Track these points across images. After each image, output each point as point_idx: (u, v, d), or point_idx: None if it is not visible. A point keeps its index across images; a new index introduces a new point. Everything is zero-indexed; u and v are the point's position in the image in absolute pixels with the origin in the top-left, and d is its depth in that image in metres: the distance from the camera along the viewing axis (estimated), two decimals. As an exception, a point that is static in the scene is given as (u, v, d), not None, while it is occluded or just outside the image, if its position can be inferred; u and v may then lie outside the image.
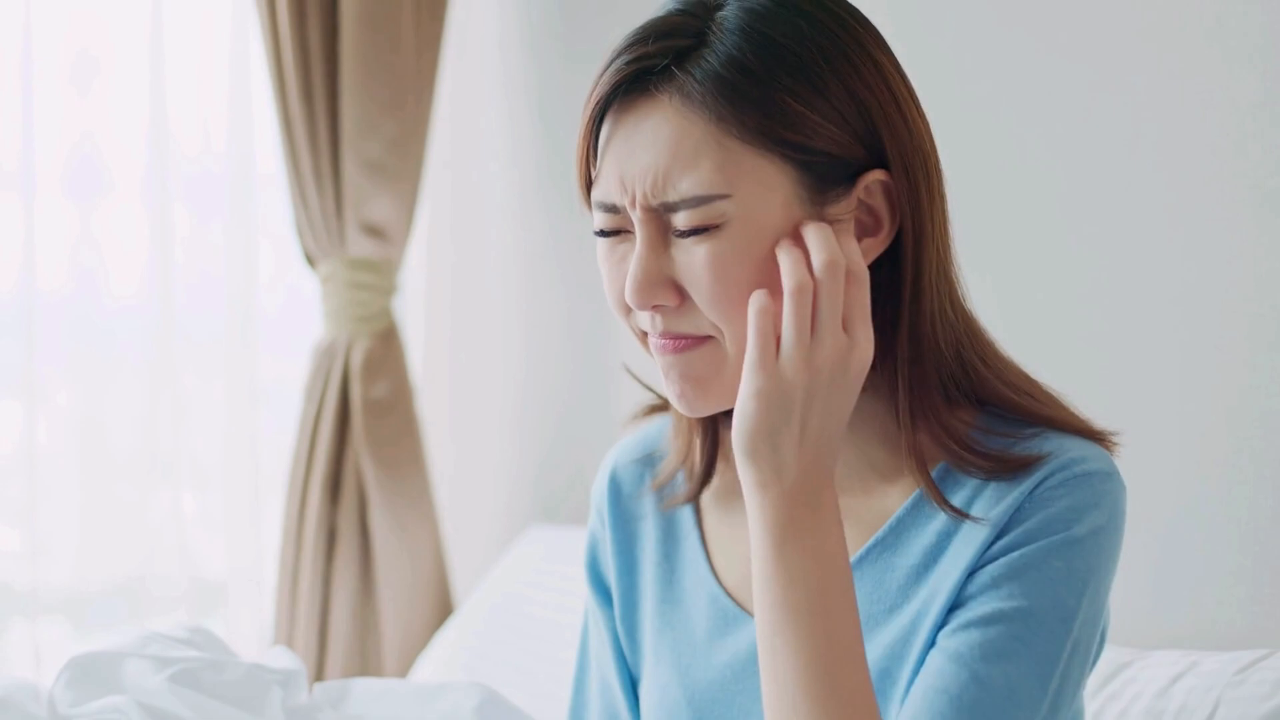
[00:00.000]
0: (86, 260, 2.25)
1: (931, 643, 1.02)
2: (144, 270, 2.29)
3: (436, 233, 2.65)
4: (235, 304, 2.38)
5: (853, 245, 1.00)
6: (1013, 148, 1.75)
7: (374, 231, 2.36)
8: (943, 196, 1.05)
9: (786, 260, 0.99)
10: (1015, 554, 1.00)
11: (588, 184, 1.06)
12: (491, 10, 2.55)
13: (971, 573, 1.02)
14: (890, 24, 1.88)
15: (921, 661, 1.02)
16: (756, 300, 0.99)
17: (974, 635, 0.99)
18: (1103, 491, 1.02)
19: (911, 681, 1.03)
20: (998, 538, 1.02)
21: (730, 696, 1.13)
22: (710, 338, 1.03)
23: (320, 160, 2.30)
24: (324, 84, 2.29)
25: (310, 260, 2.39)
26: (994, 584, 1.00)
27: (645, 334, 1.06)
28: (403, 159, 2.36)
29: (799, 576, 0.98)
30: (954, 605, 1.02)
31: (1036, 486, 1.02)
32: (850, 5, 1.04)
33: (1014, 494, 1.02)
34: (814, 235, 0.99)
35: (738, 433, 1.00)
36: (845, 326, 0.99)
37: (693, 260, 1.00)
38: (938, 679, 0.99)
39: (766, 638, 0.99)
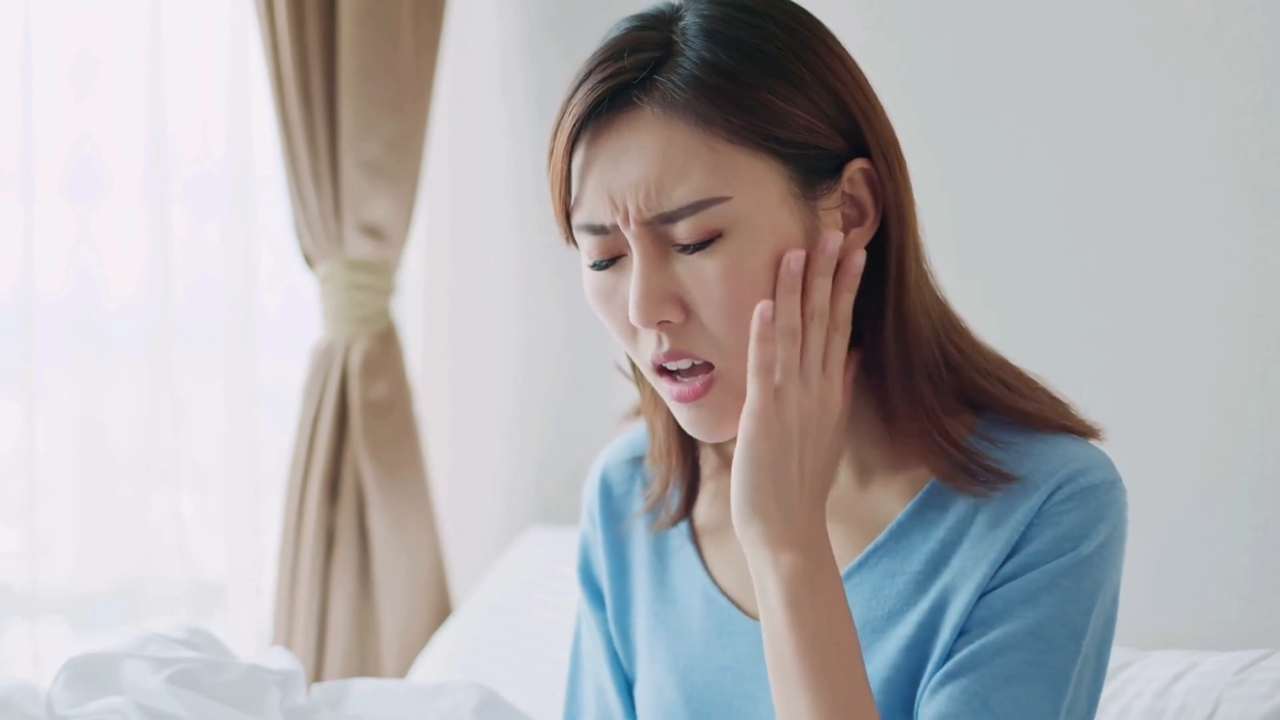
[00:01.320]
0: (85, 261, 2.25)
1: (943, 663, 1.01)
2: (143, 271, 2.29)
3: (435, 233, 2.65)
4: (234, 305, 2.38)
5: (847, 302, 1.02)
6: (1013, 148, 1.75)
7: (373, 232, 2.36)
8: (910, 184, 1.05)
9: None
10: (1025, 577, 1.00)
11: (566, 212, 1.04)
12: (490, 10, 2.55)
13: (984, 593, 1.01)
14: (891, 24, 1.89)
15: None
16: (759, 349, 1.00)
17: (986, 663, 0.99)
18: (1108, 503, 1.02)
19: (918, 696, 1.02)
20: (1009, 556, 1.01)
21: (728, 699, 1.12)
22: (713, 367, 1.02)
23: (319, 161, 2.30)
24: (322, 85, 2.29)
25: (309, 261, 2.39)
26: (1005, 609, 1.00)
27: (658, 368, 1.04)
28: (401, 160, 2.36)
29: (816, 635, 0.97)
30: (963, 628, 1.01)
31: (1046, 500, 1.01)
32: (801, 7, 1.04)
33: (1023, 508, 1.01)
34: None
35: (744, 478, 1.00)
36: (825, 368, 1.01)
37: (703, 274, 0.99)
38: (948, 705, 0.98)
39: (785, 699, 0.98)
